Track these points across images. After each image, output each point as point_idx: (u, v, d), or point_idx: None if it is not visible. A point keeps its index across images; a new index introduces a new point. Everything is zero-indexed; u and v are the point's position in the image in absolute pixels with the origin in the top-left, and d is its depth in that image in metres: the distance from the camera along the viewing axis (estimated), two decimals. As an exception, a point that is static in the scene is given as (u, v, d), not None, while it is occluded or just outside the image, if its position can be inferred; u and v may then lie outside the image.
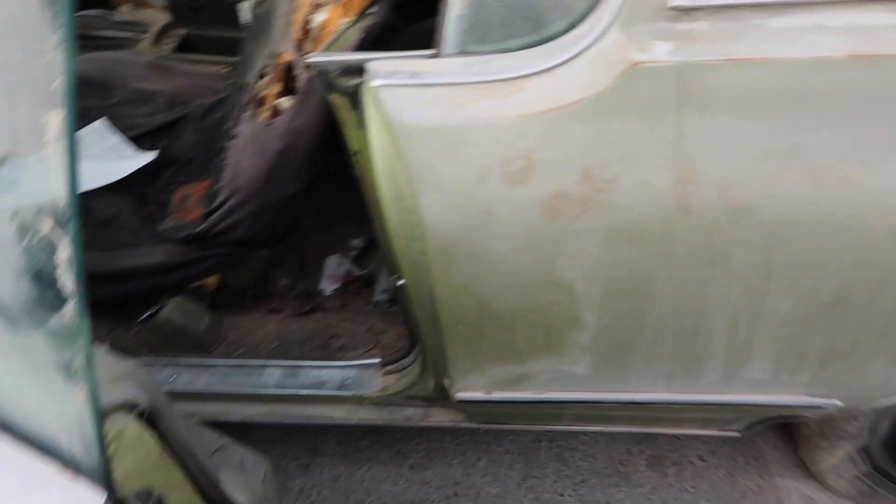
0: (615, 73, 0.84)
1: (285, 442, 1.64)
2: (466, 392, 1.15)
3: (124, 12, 2.21)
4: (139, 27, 2.16)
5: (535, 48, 0.90)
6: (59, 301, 0.50)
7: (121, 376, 0.67)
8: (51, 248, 0.48)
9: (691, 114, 0.84)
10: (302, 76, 1.31)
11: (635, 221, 0.89)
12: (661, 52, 0.83)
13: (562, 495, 1.49)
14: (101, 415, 0.53)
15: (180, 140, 1.83)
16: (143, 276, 1.52)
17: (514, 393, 1.11)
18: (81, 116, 1.84)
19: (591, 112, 0.85)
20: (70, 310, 0.49)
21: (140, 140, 1.82)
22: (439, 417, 1.40)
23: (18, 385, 0.57)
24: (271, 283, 1.69)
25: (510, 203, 0.90)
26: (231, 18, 2.15)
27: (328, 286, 1.71)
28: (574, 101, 0.85)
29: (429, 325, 1.06)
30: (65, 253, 0.48)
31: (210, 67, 2.00)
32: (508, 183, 0.89)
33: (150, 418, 0.67)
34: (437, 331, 1.05)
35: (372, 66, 0.93)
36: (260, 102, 1.42)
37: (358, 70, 0.96)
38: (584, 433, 1.57)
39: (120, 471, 0.60)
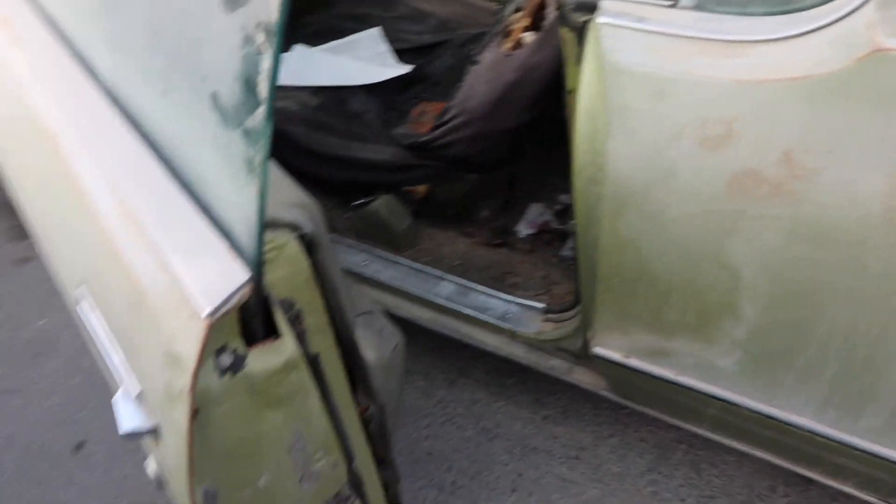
0: (855, 56, 0.76)
1: (440, 354, 1.75)
2: (605, 350, 1.14)
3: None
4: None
5: (778, 16, 0.84)
6: (255, 104, 0.60)
7: (297, 204, 0.79)
8: (259, 59, 0.58)
9: (936, 121, 0.74)
10: (550, 15, 1.35)
11: (829, 222, 0.81)
12: (918, 42, 0.73)
13: (683, 500, 1.42)
14: (264, 212, 0.64)
15: (437, 62, 1.97)
16: (368, 169, 1.70)
17: (651, 365, 1.08)
18: (362, 21, 2.07)
19: (813, 92, 0.78)
20: (261, 113, 0.60)
21: (403, 53, 2.00)
22: (581, 377, 1.40)
23: (219, 175, 0.70)
24: (474, 209, 1.78)
25: (697, 167, 0.87)
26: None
27: (524, 229, 1.76)
28: (798, 77, 0.79)
29: (587, 273, 1.06)
30: (267, 63, 0.58)
31: (487, 2, 2.12)
32: (701, 146, 0.86)
33: (310, 246, 0.77)
34: (593, 280, 1.05)
35: (604, 4, 0.93)
36: (507, 34, 1.49)
37: (592, 6, 0.98)
38: (729, 453, 1.48)
39: (271, 276, 0.72)
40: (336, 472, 0.87)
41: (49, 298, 1.99)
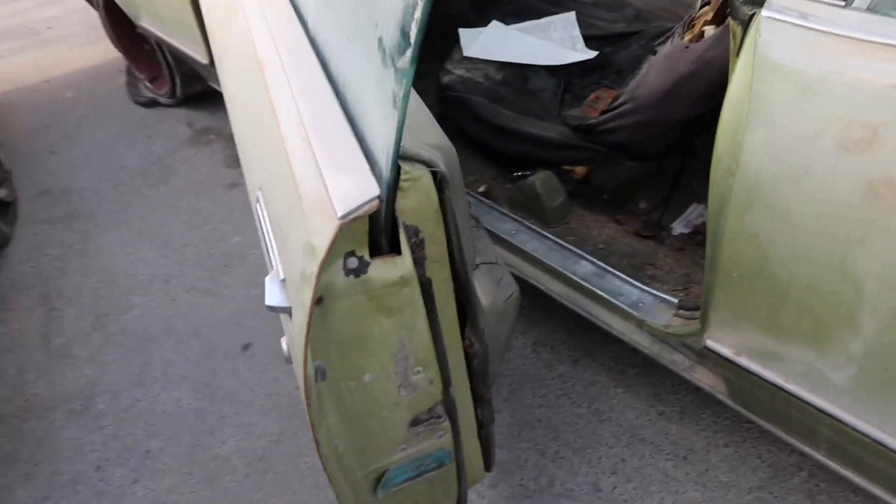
0: None
1: (569, 332, 1.80)
2: (716, 343, 1.13)
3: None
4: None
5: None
6: (406, 47, 0.71)
7: (436, 146, 0.89)
8: (414, 9, 0.69)
9: None
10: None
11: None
12: None
13: (788, 527, 1.37)
14: (399, 141, 0.75)
15: (625, 51, 1.99)
16: (533, 144, 1.78)
17: (761, 367, 1.05)
18: (560, 5, 2.13)
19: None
20: (408, 54, 0.70)
21: (593, 39, 2.04)
22: (701, 377, 1.39)
23: (372, 107, 0.83)
24: (630, 198, 1.79)
25: (833, 169, 0.85)
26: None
27: (679, 227, 1.75)
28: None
29: (710, 263, 1.07)
30: (419, 14, 0.68)
31: (687, -4, 2.09)
32: (841, 149, 0.84)
33: (440, 184, 0.87)
34: (714, 271, 1.05)
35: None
36: (690, 26, 1.49)
37: (760, 0, 0.98)
38: (854, 492, 1.39)
39: (404, 203, 0.83)
40: (432, 388, 0.97)
41: (246, 220, 2.31)
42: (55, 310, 2.11)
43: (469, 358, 1.03)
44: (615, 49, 2.01)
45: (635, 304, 1.50)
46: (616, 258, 1.64)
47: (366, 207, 0.78)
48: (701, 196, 1.80)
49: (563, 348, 1.79)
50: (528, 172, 1.78)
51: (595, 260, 1.61)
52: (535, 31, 2.08)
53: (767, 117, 0.91)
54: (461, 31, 2.07)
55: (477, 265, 1.15)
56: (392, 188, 0.81)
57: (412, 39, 0.71)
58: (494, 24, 2.12)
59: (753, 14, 0.97)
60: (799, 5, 0.91)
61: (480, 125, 1.87)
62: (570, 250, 1.64)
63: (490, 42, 2.06)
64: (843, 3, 0.90)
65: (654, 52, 1.60)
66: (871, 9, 0.87)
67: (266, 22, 1.21)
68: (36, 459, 1.70)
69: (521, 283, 1.67)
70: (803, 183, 0.88)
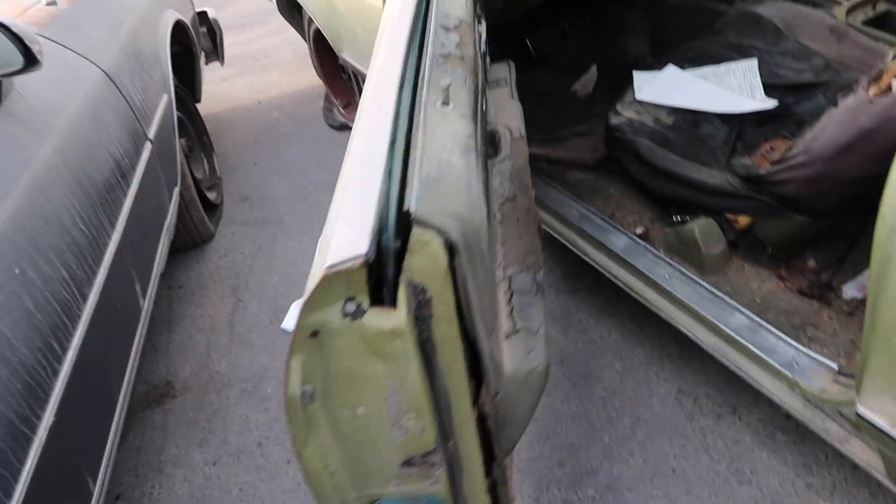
0: None
1: (717, 385, 1.74)
2: (871, 412, 1.06)
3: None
4: (847, -6, 2.20)
5: None
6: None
7: (456, 216, 0.86)
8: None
9: None
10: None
11: None
12: None
13: None
14: (400, 206, 0.76)
15: (808, 102, 1.91)
16: (696, 189, 1.76)
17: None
18: (743, 52, 2.09)
19: None
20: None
21: (775, 88, 1.97)
22: (857, 451, 1.30)
23: (397, 166, 0.88)
24: (796, 254, 1.71)
25: None
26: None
27: (851, 291, 1.64)
28: None
29: (869, 324, 1.01)
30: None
31: (886, 47, 1.96)
32: None
33: (451, 251, 0.83)
34: (872, 332, 1.00)
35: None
36: (878, 77, 1.41)
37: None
38: None
39: (412, 263, 0.81)
40: (423, 436, 0.93)
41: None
42: (241, 301, 2.39)
43: (482, 417, 0.99)
44: (798, 99, 1.93)
45: (789, 364, 1.43)
46: (774, 314, 1.58)
47: (349, 264, 0.80)
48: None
49: (708, 402, 1.73)
50: (688, 217, 1.76)
51: (750, 313, 1.56)
52: (712, 77, 2.05)
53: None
54: (635, 73, 2.09)
55: (516, 330, 1.16)
56: (395, 248, 0.83)
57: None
58: (670, 67, 2.12)
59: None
60: None
61: (644, 168, 1.88)
62: (724, 301, 1.60)
63: (664, 86, 2.07)
64: None
65: (835, 103, 1.53)
66: None
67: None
68: (212, 428, 1.94)
69: (670, 329, 1.66)
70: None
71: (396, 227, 0.82)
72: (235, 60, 4.04)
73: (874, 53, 1.95)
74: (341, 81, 3.28)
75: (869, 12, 2.10)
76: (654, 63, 2.18)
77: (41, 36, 1.69)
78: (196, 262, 2.61)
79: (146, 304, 1.83)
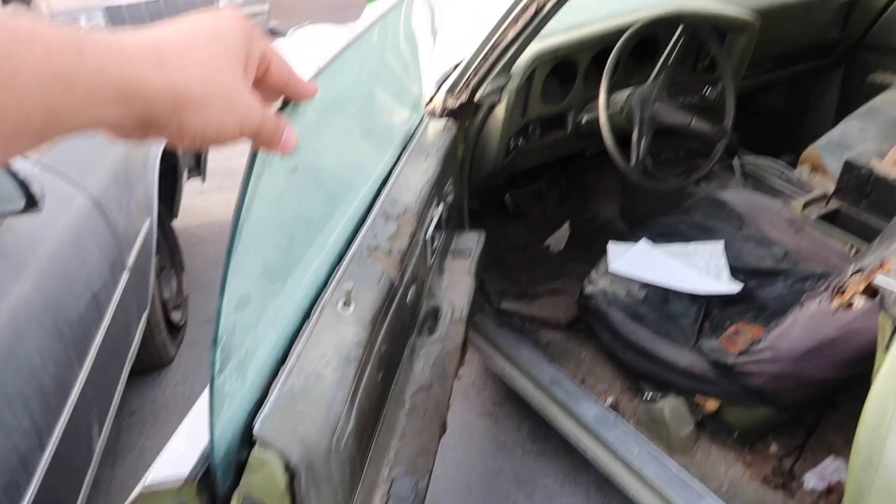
0: None
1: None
2: None
3: (802, 172, 2.48)
4: (802, 187, 2.40)
5: None
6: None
7: (303, 441, 0.86)
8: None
9: None
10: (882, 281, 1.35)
11: None
12: None
13: None
14: (214, 434, 0.76)
15: (770, 287, 2.02)
16: (667, 368, 1.81)
17: None
18: (710, 233, 2.22)
19: None
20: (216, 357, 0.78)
21: (738, 271, 2.09)
22: None
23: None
24: (761, 439, 1.76)
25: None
26: (893, 212, 2.18)
27: (812, 481, 1.68)
28: None
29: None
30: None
31: (840, 245, 2.11)
32: None
33: (292, 474, 0.84)
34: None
35: (922, 310, 0.97)
36: (840, 290, 1.51)
37: (912, 308, 1.02)
38: None
39: (250, 479, 0.83)
40: None
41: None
42: (197, 435, 2.30)
43: None
44: (760, 284, 2.04)
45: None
46: (740, 503, 1.60)
47: (167, 486, 0.81)
48: (839, 449, 1.73)
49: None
50: (658, 395, 1.80)
51: (718, 501, 1.57)
52: (681, 255, 2.17)
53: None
54: (610, 244, 2.20)
55: None
56: (238, 463, 0.85)
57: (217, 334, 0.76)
58: (643, 242, 2.23)
59: (904, 319, 1.01)
60: (951, 323, 0.94)
61: (617, 340, 1.94)
62: (692, 486, 1.62)
63: (636, 260, 2.17)
64: None
65: (801, 303, 1.63)
66: None
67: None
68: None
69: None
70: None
71: (240, 444, 0.82)
72: (215, 175, 4.09)
73: (828, 248, 2.10)
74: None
75: (822, 208, 2.27)
76: (628, 234, 2.30)
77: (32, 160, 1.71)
78: (152, 387, 2.53)
79: (100, 445, 1.75)
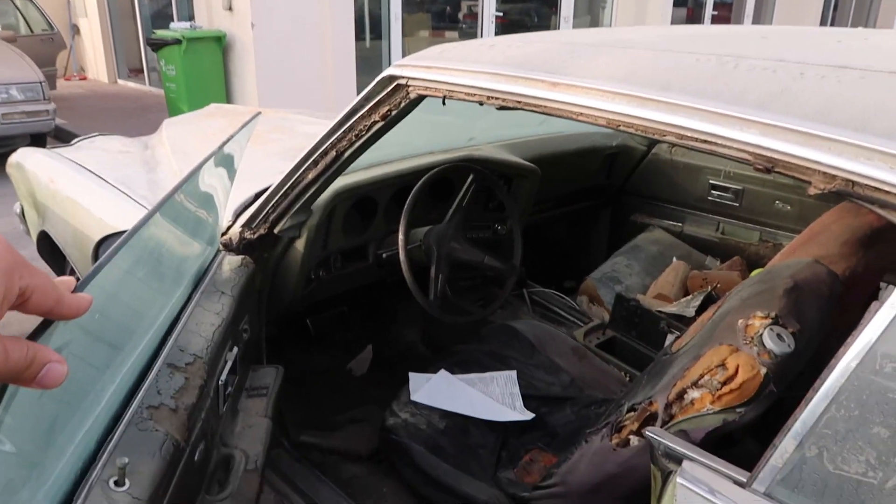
0: None
1: None
2: None
3: (582, 302, 2.72)
4: (583, 316, 2.63)
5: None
6: None
7: None
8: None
9: None
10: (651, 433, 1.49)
11: None
12: None
13: None
14: None
15: (559, 414, 2.14)
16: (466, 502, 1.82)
17: None
18: (503, 362, 2.32)
19: None
20: None
21: (531, 399, 2.19)
22: None
23: None
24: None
25: None
26: (658, 342, 2.45)
27: None
28: None
29: None
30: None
31: (617, 372, 2.31)
32: None
33: None
34: None
35: (686, 466, 1.07)
36: (619, 428, 1.64)
37: (678, 460, 1.11)
38: None
39: None
40: None
41: None
42: None
43: None
44: (550, 410, 2.15)
45: None
46: None
47: None
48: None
49: None
50: (460, 533, 1.79)
51: None
52: (478, 384, 2.23)
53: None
54: (411, 375, 2.21)
55: None
56: None
57: None
58: (442, 372, 2.28)
59: (671, 472, 1.10)
60: (707, 478, 1.04)
61: (418, 475, 1.91)
62: None
63: (436, 389, 2.20)
64: (743, 480, 1.04)
65: (586, 437, 1.73)
66: (768, 494, 1.01)
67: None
68: None
69: None
70: None
71: None
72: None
73: (608, 375, 2.29)
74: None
75: (601, 336, 2.49)
76: (430, 358, 2.34)
77: None
78: None
79: None
